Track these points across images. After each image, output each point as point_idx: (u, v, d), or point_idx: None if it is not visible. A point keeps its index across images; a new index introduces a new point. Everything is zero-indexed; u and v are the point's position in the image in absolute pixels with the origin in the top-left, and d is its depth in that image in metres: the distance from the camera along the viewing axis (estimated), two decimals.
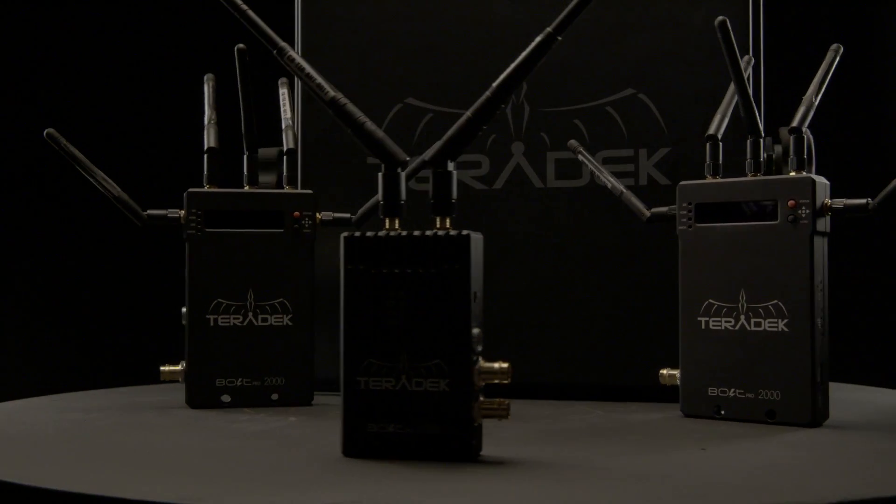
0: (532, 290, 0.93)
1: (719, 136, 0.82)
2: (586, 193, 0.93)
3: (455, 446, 0.62)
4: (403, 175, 0.65)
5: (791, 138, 0.79)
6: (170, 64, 1.35)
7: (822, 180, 0.77)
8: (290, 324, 0.87)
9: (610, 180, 0.86)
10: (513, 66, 0.64)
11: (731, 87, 0.85)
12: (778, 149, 0.86)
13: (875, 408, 0.87)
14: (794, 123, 0.79)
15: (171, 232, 0.88)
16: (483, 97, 0.64)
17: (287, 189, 0.89)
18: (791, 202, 0.76)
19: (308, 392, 0.88)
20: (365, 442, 0.63)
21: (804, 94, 0.80)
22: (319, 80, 0.66)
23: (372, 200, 0.90)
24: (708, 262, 0.80)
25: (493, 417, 0.62)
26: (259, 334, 0.87)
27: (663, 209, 0.83)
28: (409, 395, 0.62)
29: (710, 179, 0.81)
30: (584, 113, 0.93)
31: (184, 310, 0.87)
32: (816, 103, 0.80)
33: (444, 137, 0.64)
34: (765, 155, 0.87)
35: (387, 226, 0.65)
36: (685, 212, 0.81)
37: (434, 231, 0.63)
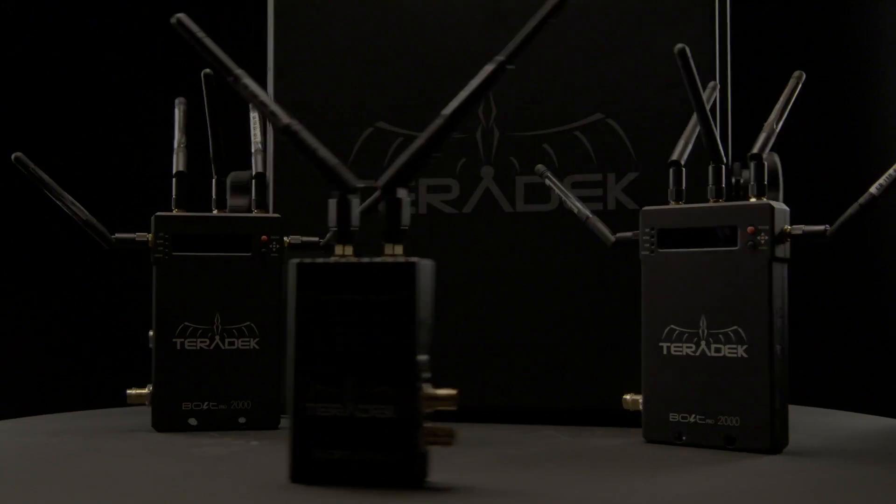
0: (501, 314, 0.93)
1: (682, 162, 0.82)
2: (555, 218, 0.93)
3: (400, 473, 0.62)
4: (355, 201, 0.65)
5: (751, 164, 0.79)
6: (139, 86, 1.35)
7: (781, 206, 0.77)
8: (256, 347, 0.87)
9: (576, 205, 0.87)
10: (464, 94, 0.64)
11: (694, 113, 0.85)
12: (746, 174, 0.87)
13: (835, 432, 0.87)
14: (755, 150, 0.79)
15: (139, 255, 0.89)
16: (434, 125, 0.64)
17: (255, 213, 0.89)
18: (750, 228, 0.76)
19: (275, 415, 0.88)
20: (312, 468, 0.63)
21: (766, 121, 0.80)
22: (273, 107, 0.66)
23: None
24: (670, 287, 0.80)
25: (437, 444, 0.62)
26: (226, 358, 0.87)
27: (628, 234, 0.83)
28: (355, 422, 0.62)
29: (672, 205, 0.81)
30: (553, 138, 0.93)
31: (151, 333, 0.87)
32: (778, 129, 0.80)
33: (395, 164, 0.64)
34: (735, 180, 0.87)
35: (338, 252, 0.65)
36: (648, 237, 0.81)
37: (382, 258, 0.63)
